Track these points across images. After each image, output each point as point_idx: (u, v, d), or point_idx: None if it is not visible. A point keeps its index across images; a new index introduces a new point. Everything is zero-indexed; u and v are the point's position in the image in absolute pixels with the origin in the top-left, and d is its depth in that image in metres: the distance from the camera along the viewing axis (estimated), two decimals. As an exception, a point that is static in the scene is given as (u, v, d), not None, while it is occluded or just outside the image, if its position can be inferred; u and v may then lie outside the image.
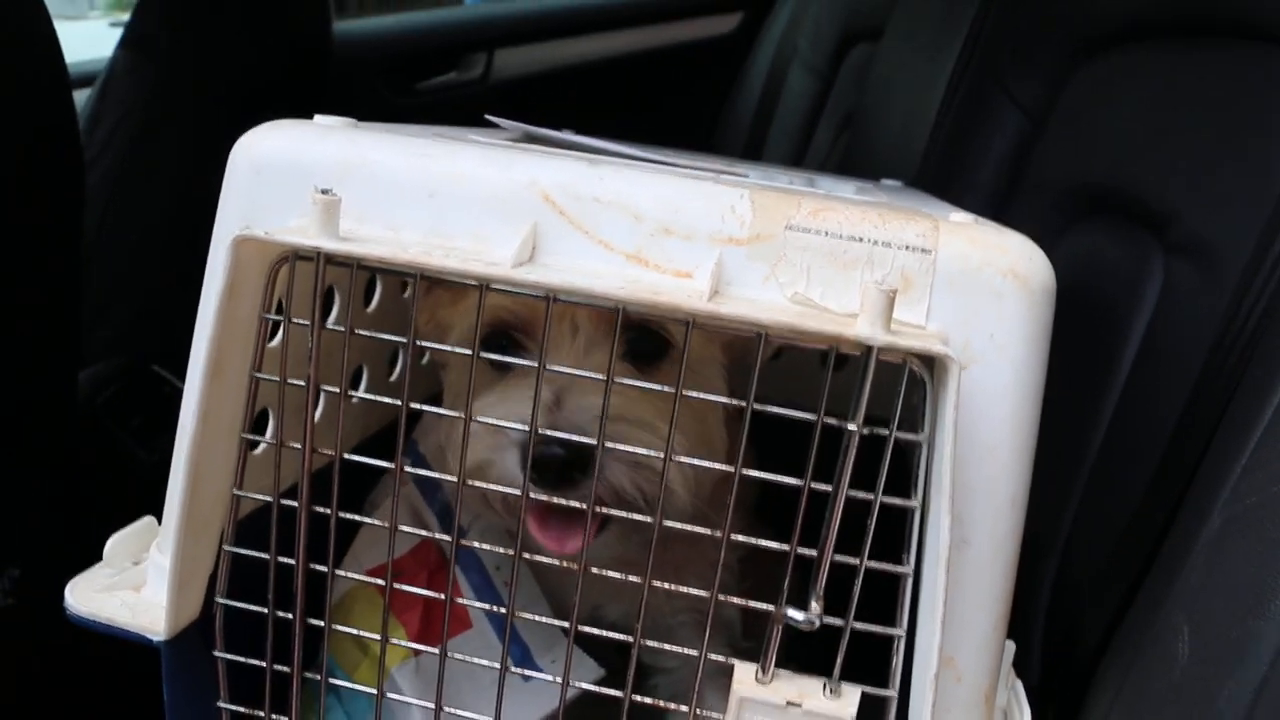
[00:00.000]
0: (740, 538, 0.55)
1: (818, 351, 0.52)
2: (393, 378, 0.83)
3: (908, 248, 0.52)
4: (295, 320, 0.56)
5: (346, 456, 0.58)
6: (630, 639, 0.58)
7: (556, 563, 0.60)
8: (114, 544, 0.66)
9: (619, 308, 0.52)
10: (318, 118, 0.63)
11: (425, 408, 0.58)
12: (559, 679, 0.60)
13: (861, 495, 0.52)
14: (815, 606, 0.53)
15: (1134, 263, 0.88)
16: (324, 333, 0.56)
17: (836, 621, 0.54)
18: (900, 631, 0.54)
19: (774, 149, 1.89)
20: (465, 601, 0.73)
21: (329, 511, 0.58)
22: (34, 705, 1.03)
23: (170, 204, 1.45)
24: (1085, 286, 0.92)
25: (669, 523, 0.55)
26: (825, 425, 0.51)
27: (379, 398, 0.60)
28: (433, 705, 0.61)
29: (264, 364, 0.58)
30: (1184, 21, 0.90)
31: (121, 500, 0.74)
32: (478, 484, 0.59)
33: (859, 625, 0.54)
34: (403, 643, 0.69)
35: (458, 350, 0.60)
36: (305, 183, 0.55)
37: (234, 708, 0.64)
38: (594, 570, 0.57)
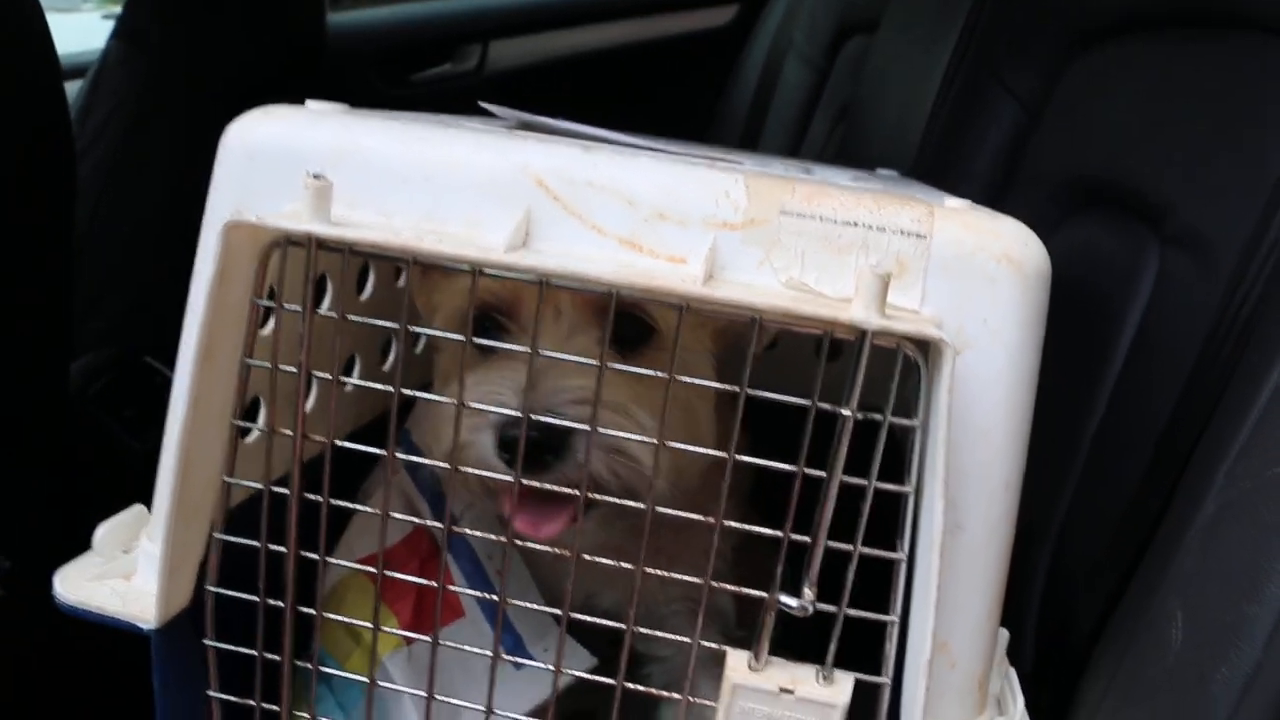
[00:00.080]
0: (732, 524, 0.54)
1: (812, 343, 0.52)
2: (386, 367, 0.83)
3: (902, 232, 0.52)
4: (287, 306, 0.56)
5: (338, 443, 0.58)
6: (623, 626, 0.58)
7: (549, 549, 0.59)
8: (104, 532, 0.66)
9: (612, 292, 0.52)
10: (310, 103, 0.63)
11: (417, 393, 0.58)
12: (551, 667, 0.60)
13: (856, 481, 0.52)
14: (808, 592, 0.53)
15: (1129, 254, 0.88)
16: (316, 320, 0.55)
17: (830, 608, 0.54)
18: (894, 618, 0.54)
19: (770, 141, 1.89)
20: (457, 589, 0.73)
21: (320, 499, 0.58)
22: (25, 696, 1.03)
23: (162, 195, 1.44)
24: (1081, 278, 0.91)
25: (660, 509, 0.55)
26: (819, 415, 0.51)
27: (371, 384, 0.60)
28: (424, 694, 0.61)
29: (256, 351, 0.58)
30: (1179, 13, 0.90)
31: (113, 491, 0.73)
32: (468, 470, 0.59)
33: (852, 612, 0.54)
34: (394, 630, 0.69)
35: (443, 334, 0.60)
36: (297, 168, 0.54)
37: (224, 696, 0.63)
38: (585, 557, 0.57)
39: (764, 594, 0.54)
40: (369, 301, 0.76)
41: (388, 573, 0.61)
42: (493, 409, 0.58)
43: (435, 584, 0.60)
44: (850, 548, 0.53)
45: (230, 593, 0.60)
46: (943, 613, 0.54)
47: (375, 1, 2.18)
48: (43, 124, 0.98)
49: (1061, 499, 0.86)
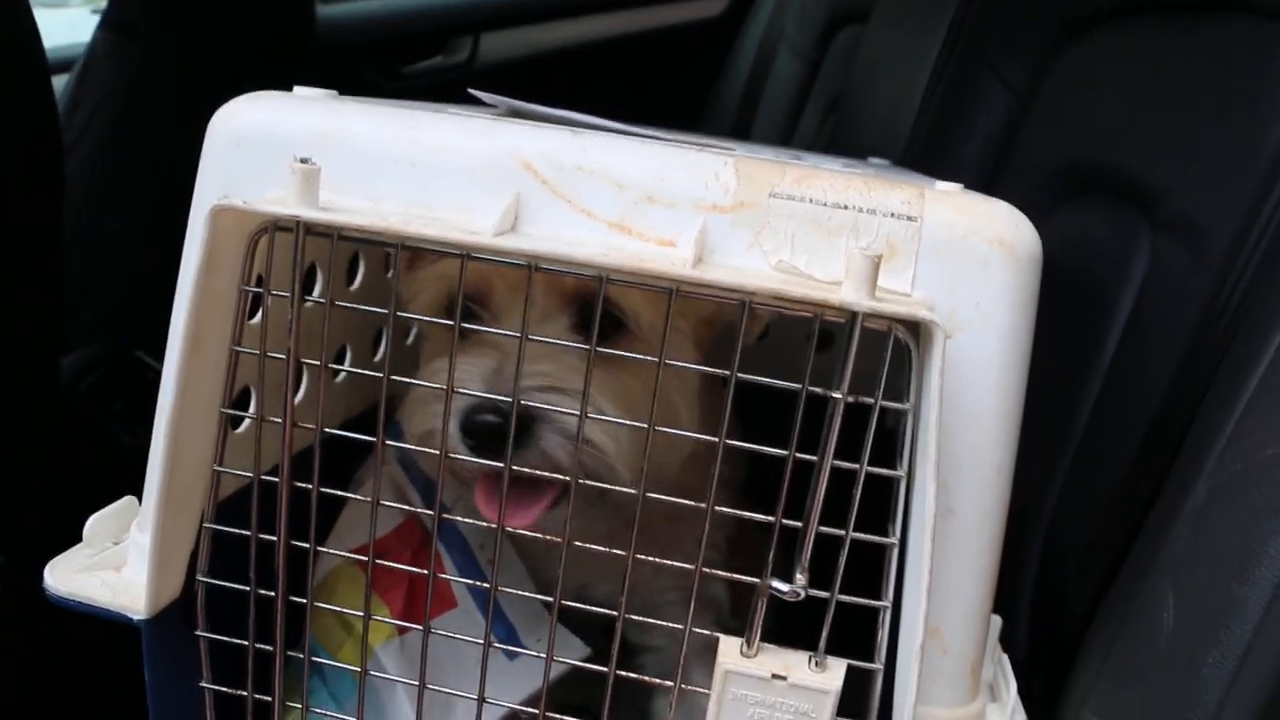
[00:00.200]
0: (724, 509, 0.54)
1: (804, 333, 0.52)
2: (377, 358, 0.82)
3: (893, 215, 0.52)
4: (275, 293, 0.56)
5: (328, 431, 0.57)
6: (615, 613, 0.57)
7: (539, 535, 0.59)
8: (94, 524, 0.66)
9: (601, 277, 0.52)
10: (297, 89, 0.62)
11: (406, 379, 0.58)
12: (543, 655, 0.60)
13: (847, 466, 0.52)
14: (800, 578, 0.53)
15: (1121, 242, 0.88)
16: (305, 308, 0.55)
17: (822, 594, 0.54)
18: (886, 603, 0.54)
19: (761, 132, 1.89)
20: (448, 577, 0.73)
21: (310, 487, 0.58)
22: (21, 690, 1.03)
23: (152, 186, 1.44)
24: (1073, 265, 0.92)
25: (651, 495, 0.55)
26: (812, 407, 0.51)
27: (360, 370, 0.59)
28: (417, 684, 0.61)
29: (245, 339, 0.58)
30: (1170, -1, 0.90)
31: (105, 486, 0.73)
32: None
33: (844, 598, 0.53)
34: (385, 619, 0.69)
35: (431, 320, 0.60)
36: (285, 154, 0.54)
37: (217, 688, 0.63)
38: (576, 544, 0.57)
39: (756, 580, 0.54)
40: (359, 291, 0.76)
41: (379, 561, 0.60)
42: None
43: (426, 572, 0.60)
44: (842, 533, 0.53)
45: (221, 583, 0.60)
46: (935, 598, 0.54)
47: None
48: (32, 120, 0.98)
49: (1053, 485, 0.86)
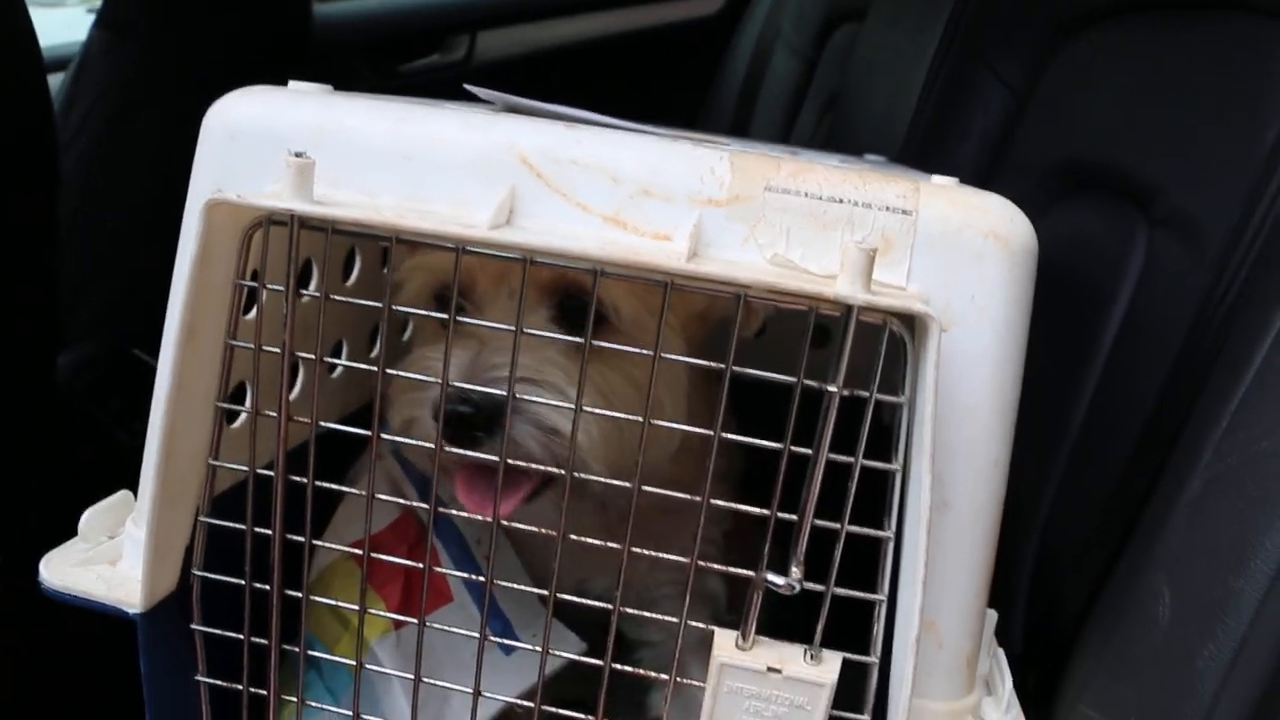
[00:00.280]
0: (718, 502, 0.54)
1: (799, 329, 0.52)
2: (373, 354, 0.82)
3: (888, 209, 0.52)
4: (270, 287, 0.55)
5: (324, 424, 0.57)
6: (610, 607, 0.57)
7: (536, 531, 0.59)
8: (89, 518, 0.65)
9: (596, 271, 0.52)
10: (292, 84, 0.62)
11: (399, 373, 0.58)
12: (539, 648, 0.60)
13: (843, 459, 0.52)
14: (795, 571, 0.53)
15: (1118, 239, 0.88)
16: (301, 303, 0.55)
17: (818, 587, 0.54)
18: (881, 597, 0.54)
19: (758, 131, 1.89)
20: (444, 571, 0.73)
21: (306, 481, 0.58)
22: (19, 686, 1.03)
23: (149, 184, 1.43)
24: (1069, 262, 0.92)
25: (647, 488, 0.55)
26: (807, 398, 0.51)
27: (355, 364, 0.59)
28: (412, 678, 0.61)
29: (240, 334, 0.58)
30: (1166, -5, 0.90)
31: (102, 484, 0.73)
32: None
33: (840, 591, 0.53)
34: (381, 613, 0.69)
35: (425, 313, 0.61)
36: (280, 148, 0.54)
37: (212, 681, 0.63)
38: (572, 538, 0.57)
39: (751, 573, 0.54)
40: (355, 287, 0.76)
41: (374, 554, 0.60)
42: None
43: (422, 566, 0.60)
44: (837, 526, 0.53)
45: (216, 576, 0.60)
46: (930, 591, 0.54)
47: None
48: (27, 118, 0.98)
49: (1049, 480, 0.86)
